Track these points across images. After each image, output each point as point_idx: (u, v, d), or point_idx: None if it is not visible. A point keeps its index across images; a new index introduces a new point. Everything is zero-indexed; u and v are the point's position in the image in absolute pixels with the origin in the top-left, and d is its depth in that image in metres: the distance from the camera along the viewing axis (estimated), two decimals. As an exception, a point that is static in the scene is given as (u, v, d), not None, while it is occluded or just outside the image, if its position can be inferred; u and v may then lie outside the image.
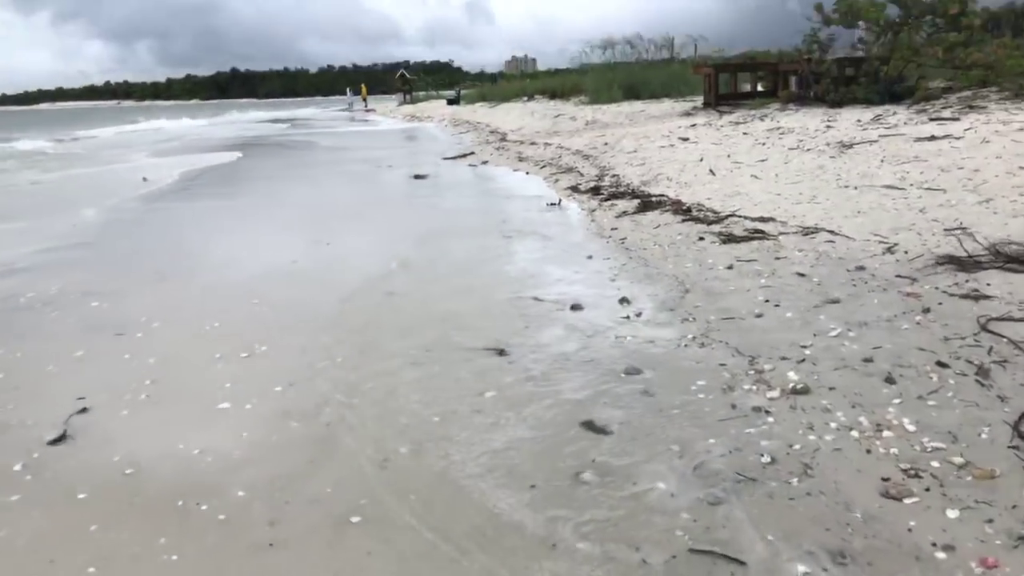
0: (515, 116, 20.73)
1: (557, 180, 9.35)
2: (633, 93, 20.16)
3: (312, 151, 17.49)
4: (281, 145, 20.04)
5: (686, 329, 3.68)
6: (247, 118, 43.49)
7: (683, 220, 6.03)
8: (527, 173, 10.50)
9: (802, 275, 4.29)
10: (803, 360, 3.16)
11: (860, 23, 11.51)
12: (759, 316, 3.75)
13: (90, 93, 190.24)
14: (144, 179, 11.87)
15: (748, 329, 3.60)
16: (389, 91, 66.55)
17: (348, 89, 60.03)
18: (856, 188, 6.20)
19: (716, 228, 5.63)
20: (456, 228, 6.83)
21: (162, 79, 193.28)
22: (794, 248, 4.86)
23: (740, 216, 5.90)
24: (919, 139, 7.76)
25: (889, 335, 3.30)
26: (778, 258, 4.69)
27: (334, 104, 66.42)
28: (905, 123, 9.06)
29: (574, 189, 8.44)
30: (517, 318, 4.05)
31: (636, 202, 7.00)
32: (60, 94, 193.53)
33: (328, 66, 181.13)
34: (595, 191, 8.02)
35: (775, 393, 2.89)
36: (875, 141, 8.06)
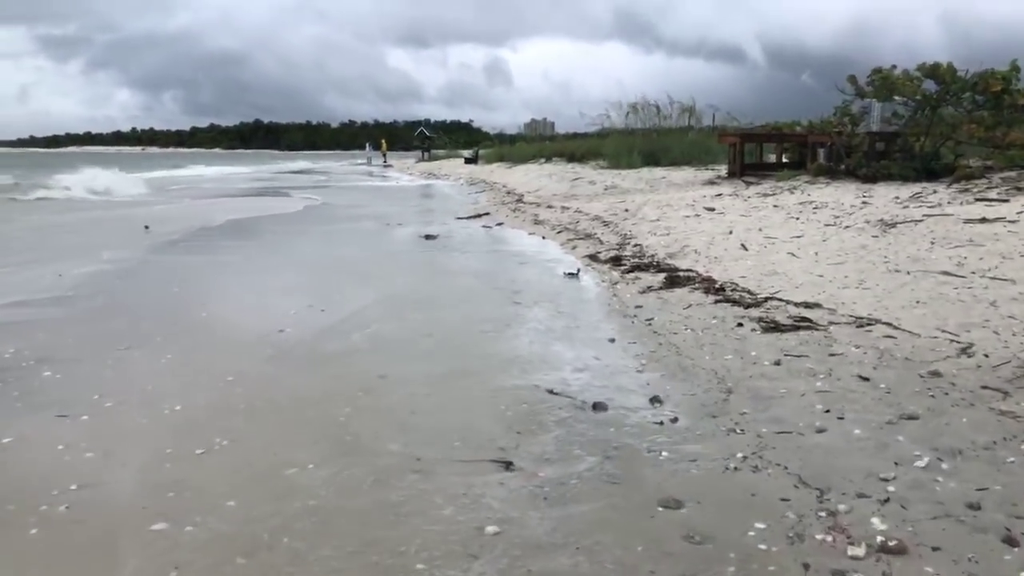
0: (532, 177, 20.38)
1: (575, 247, 8.80)
2: (653, 159, 19.79)
3: (322, 206, 17.10)
4: (291, 198, 19.72)
5: (733, 444, 3.04)
6: (264, 169, 43.70)
7: (717, 301, 5.43)
8: (543, 237, 9.98)
9: (865, 379, 3.65)
10: (887, 500, 2.50)
11: (895, 97, 11.08)
12: (821, 431, 3.11)
13: (116, 139, 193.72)
14: (146, 228, 11.44)
15: (809, 449, 2.95)
16: (409, 148, 67.14)
17: (368, 144, 60.55)
18: (909, 273, 5.59)
19: (755, 313, 5.02)
20: (463, 296, 6.26)
21: (186, 127, 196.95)
22: (849, 342, 4.23)
23: (781, 299, 5.29)
24: (969, 220, 7.17)
25: (993, 471, 2.65)
26: (832, 354, 4.06)
27: (354, 158, 66.88)
28: (948, 202, 8.50)
29: (593, 258, 7.87)
30: (528, 416, 3.42)
31: (662, 276, 6.41)
32: (88, 138, 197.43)
33: (350, 121, 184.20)
34: (616, 261, 7.45)
35: (859, 550, 2.23)
36: (920, 221, 7.48)
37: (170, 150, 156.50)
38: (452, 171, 32.06)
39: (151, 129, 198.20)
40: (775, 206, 9.61)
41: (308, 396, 3.76)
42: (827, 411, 3.31)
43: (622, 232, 9.12)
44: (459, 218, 12.79)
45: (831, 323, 4.63)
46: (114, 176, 23.16)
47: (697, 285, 5.97)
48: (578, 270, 7.17)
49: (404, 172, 37.98)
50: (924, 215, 7.74)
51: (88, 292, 6.44)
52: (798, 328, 4.60)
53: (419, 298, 6.22)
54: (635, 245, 8.15)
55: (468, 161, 38.59)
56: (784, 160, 16.08)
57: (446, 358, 4.46)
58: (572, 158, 26.24)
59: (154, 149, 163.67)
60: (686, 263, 6.92)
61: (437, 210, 15.53)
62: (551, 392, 3.74)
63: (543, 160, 28.50)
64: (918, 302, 4.85)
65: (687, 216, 9.58)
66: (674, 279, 6.25)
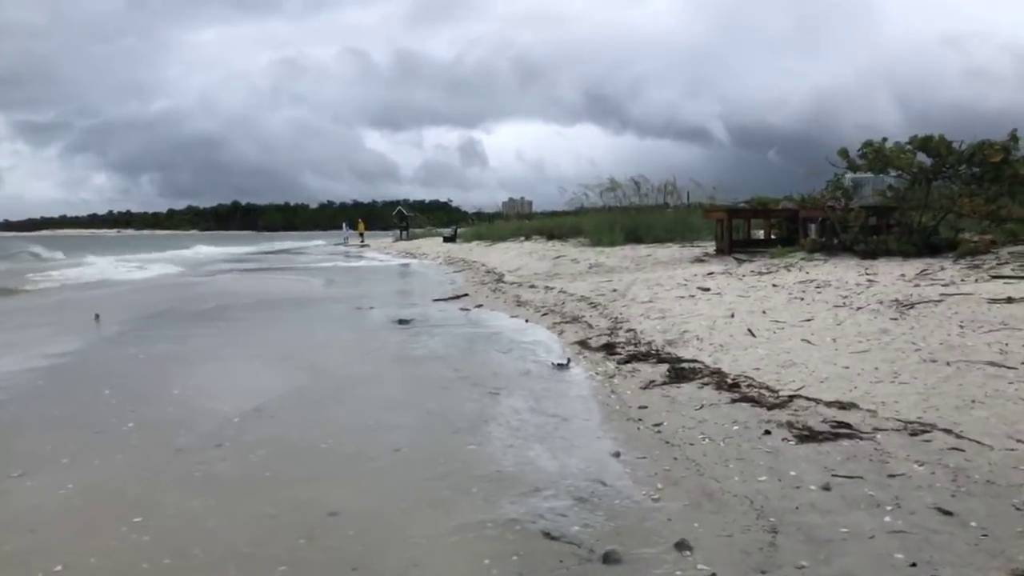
0: (512, 256, 19.80)
1: (562, 332, 8.06)
2: (635, 236, 19.33)
3: (287, 290, 16.30)
4: (256, 280, 18.94)
5: (802, 623, 2.23)
6: (243, 250, 43.02)
7: (733, 400, 4.66)
8: (526, 321, 9.23)
9: (947, 512, 2.88)
10: None
11: (889, 170, 10.67)
12: (916, 600, 2.31)
13: (92, 221, 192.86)
14: (96, 316, 10.56)
15: (909, 630, 2.15)
16: (388, 227, 66.96)
17: (344, 223, 60.20)
18: (949, 364, 4.88)
19: (782, 416, 4.26)
20: (437, 393, 5.44)
21: (163, 209, 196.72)
22: (906, 457, 3.47)
23: (808, 398, 4.54)
24: (994, 300, 6.55)
25: None
26: (892, 475, 3.28)
27: (331, 238, 66.42)
28: (962, 280, 7.91)
29: (583, 344, 7.12)
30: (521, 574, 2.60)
31: (664, 368, 5.66)
32: (63, 221, 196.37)
33: (328, 201, 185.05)
34: (609, 349, 6.70)
35: None
36: (939, 301, 6.85)
37: (146, 232, 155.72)
38: (430, 250, 31.50)
39: (128, 211, 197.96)
40: (774, 285, 8.97)
41: (235, 547, 2.91)
42: (912, 564, 2.52)
43: (612, 315, 8.40)
44: (436, 300, 12.05)
45: (876, 429, 3.88)
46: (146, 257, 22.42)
47: (706, 379, 5.22)
48: (568, 360, 6.40)
49: (381, 251, 37.38)
50: (941, 294, 7.12)
51: (31, 392, 5.55)
52: (838, 436, 3.84)
53: (388, 398, 5.41)
54: (628, 330, 7.42)
55: (447, 240, 38.17)
56: (772, 236, 15.68)
57: (416, 481, 3.63)
58: (552, 236, 25.82)
59: (130, 231, 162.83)
60: (689, 352, 6.19)
61: (413, 291, 14.79)
62: (547, 536, 2.92)
63: (522, 238, 28.07)
64: (973, 401, 4.12)
65: (681, 297, 8.90)
66: (679, 372, 5.49)
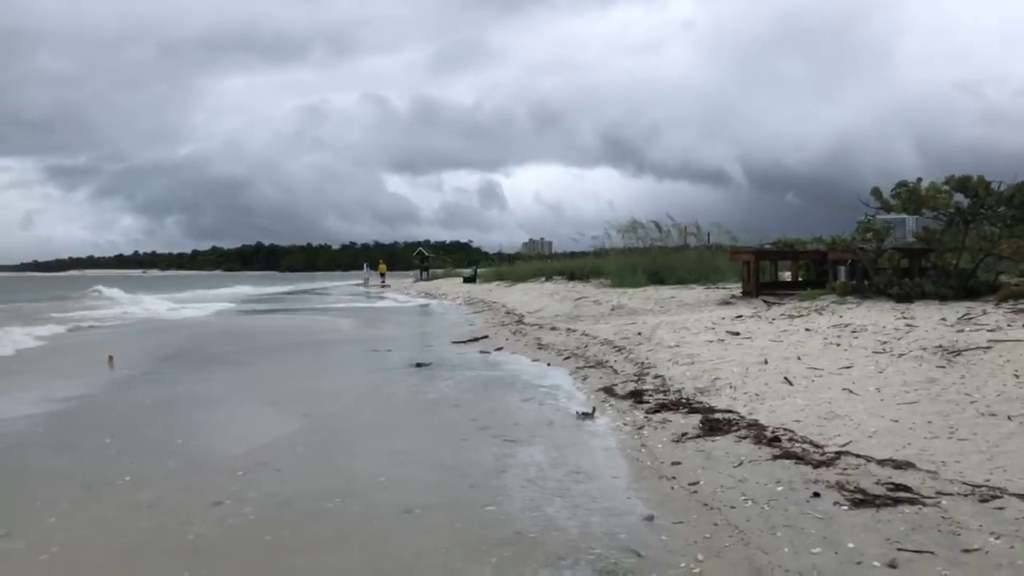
0: (533, 297, 19.51)
1: (586, 377, 7.72)
2: (657, 278, 18.99)
3: (305, 330, 16.08)
4: (271, 321, 18.77)
5: None
6: (264, 291, 43.15)
7: (775, 456, 4.29)
8: (548, 364, 8.91)
9: (1038, 598, 2.50)
10: None
11: (924, 211, 10.31)
12: None
13: (118, 262, 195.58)
14: (110, 358, 10.37)
15: None
16: (409, 267, 67.06)
17: (365, 264, 60.41)
18: (1011, 418, 4.49)
19: (830, 475, 3.89)
20: (455, 445, 5.11)
21: (188, 250, 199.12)
22: (979, 528, 3.09)
23: (857, 455, 4.17)
24: (1048, 347, 6.14)
25: None
26: (967, 550, 2.90)
27: (352, 279, 66.57)
28: (1008, 325, 7.49)
29: (609, 392, 6.78)
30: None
31: (696, 420, 5.30)
32: (90, 262, 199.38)
33: (351, 243, 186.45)
34: (637, 397, 6.35)
35: None
36: (987, 348, 6.44)
37: (171, 273, 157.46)
38: (450, 290, 31.29)
39: (153, 252, 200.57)
40: (807, 329, 8.58)
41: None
42: (1008, 665, 2.14)
43: (638, 360, 8.05)
44: (455, 342, 11.76)
45: (939, 493, 3.50)
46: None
47: (743, 432, 4.85)
48: (593, 409, 6.05)
49: (401, 292, 37.25)
50: (990, 340, 6.70)
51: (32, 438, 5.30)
52: (897, 501, 3.46)
53: (402, 450, 5.09)
54: (656, 376, 7.06)
55: (467, 280, 37.98)
56: (799, 278, 15.29)
57: (428, 548, 3.29)
58: (573, 276, 25.55)
59: (155, 271, 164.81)
60: (722, 401, 5.82)
61: (431, 333, 14.50)
62: (577, 619, 2.57)
63: (543, 279, 27.81)
64: (1045, 462, 3.73)
65: (710, 341, 8.53)
66: (713, 423, 5.13)
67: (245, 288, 42.69)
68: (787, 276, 15.46)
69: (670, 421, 5.43)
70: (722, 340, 8.50)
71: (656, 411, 5.76)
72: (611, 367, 7.98)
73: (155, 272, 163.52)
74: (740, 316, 10.31)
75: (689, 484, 4.02)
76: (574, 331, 11.26)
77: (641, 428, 5.37)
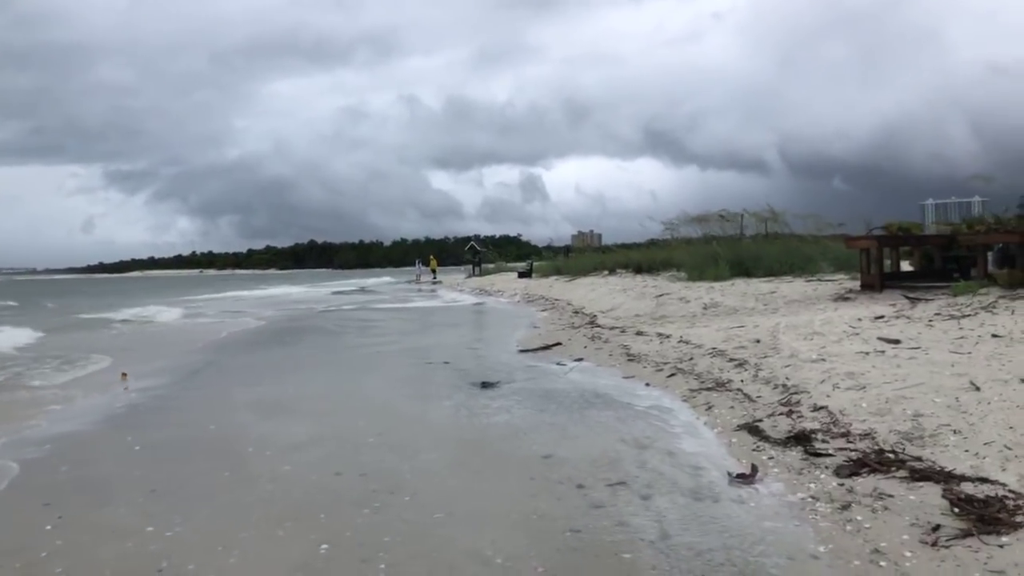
0: (602, 293, 17.59)
1: (709, 406, 5.82)
2: (742, 269, 16.91)
3: (348, 337, 14.45)
4: (315, 328, 17.23)
5: None
6: (321, 290, 42.09)
7: None
8: (647, 384, 7.03)
9: None
10: None
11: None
12: None
13: (177, 263, 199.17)
14: (124, 376, 8.87)
15: None
16: (459, 262, 65.65)
17: (417, 260, 59.11)
18: None
19: None
20: (555, 539, 3.29)
21: (243, 249, 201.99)
22: None
23: None
24: None
25: None
26: None
27: (404, 275, 65.43)
28: None
29: (754, 432, 4.88)
30: None
31: (933, 493, 3.39)
32: (151, 263, 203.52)
33: (402, 239, 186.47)
34: (803, 442, 4.44)
35: None
36: None
37: (227, 272, 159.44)
38: (505, 286, 29.41)
39: (210, 252, 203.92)
40: (994, 335, 6.52)
41: None
42: None
43: (775, 380, 6.11)
44: (523, 351, 9.96)
45: None
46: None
47: (1042, 528, 2.92)
48: (753, 469, 4.15)
49: (454, 288, 35.58)
50: None
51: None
52: None
53: (455, 541, 3.29)
54: (816, 408, 5.12)
55: (522, 275, 36.14)
56: (911, 268, 13.17)
57: None
58: (640, 269, 23.57)
59: (211, 271, 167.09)
60: (949, 455, 3.88)
61: (492, 339, 12.68)
62: None
63: (606, 272, 25.88)
64: None
65: (863, 352, 6.53)
66: (972, 505, 3.20)
67: (299, 289, 41.66)
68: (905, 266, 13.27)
69: (887, 494, 3.52)
70: (881, 352, 6.49)
71: (853, 473, 3.85)
72: (739, 391, 6.06)
73: (212, 271, 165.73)
74: (882, 317, 8.25)
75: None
76: (667, 337, 9.34)
77: (846, 508, 3.46)
